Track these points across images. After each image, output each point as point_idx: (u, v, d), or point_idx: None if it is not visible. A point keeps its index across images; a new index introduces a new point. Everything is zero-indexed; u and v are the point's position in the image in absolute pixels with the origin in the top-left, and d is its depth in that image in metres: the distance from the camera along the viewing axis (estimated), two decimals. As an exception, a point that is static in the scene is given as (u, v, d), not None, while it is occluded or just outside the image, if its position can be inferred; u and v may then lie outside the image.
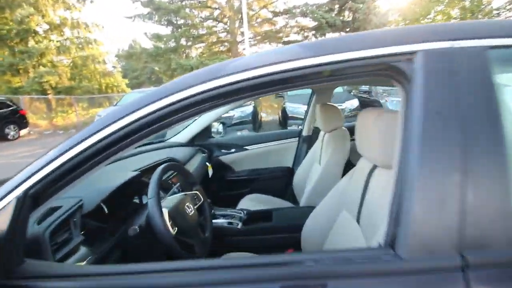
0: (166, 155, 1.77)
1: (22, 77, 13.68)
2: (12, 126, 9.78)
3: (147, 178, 1.38)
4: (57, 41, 14.71)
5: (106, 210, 1.06)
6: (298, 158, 2.46)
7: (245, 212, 1.71)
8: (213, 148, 2.44)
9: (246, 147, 2.46)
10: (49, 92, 13.40)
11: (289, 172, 2.44)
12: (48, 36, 14.37)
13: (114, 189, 1.09)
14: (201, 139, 2.42)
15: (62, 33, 14.97)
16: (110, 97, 15.61)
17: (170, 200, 1.13)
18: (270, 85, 0.62)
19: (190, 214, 1.13)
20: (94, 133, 0.67)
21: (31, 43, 13.58)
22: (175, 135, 2.35)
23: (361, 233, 0.98)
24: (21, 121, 10.07)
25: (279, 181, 2.45)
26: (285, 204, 2.05)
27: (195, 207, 1.23)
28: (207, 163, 2.25)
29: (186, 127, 2.34)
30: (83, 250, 0.89)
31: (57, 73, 13.76)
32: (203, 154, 2.29)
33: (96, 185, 1.10)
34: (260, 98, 7.90)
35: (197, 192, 1.30)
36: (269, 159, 2.52)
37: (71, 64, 15.11)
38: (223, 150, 2.45)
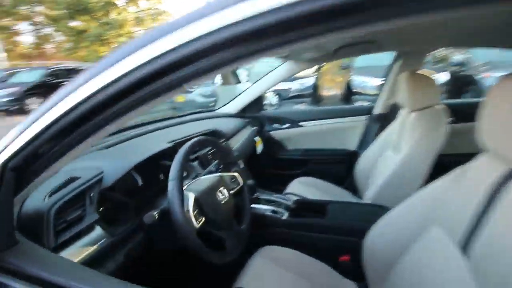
0: (211, 126, 1.59)
1: (107, 47, 15.41)
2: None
3: None
4: (135, 12, 15.90)
5: (128, 186, 0.93)
6: (365, 141, 2.04)
7: (293, 200, 1.45)
8: (265, 122, 2.18)
9: (302, 123, 2.12)
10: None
11: (352, 157, 2.05)
12: (126, 8, 15.63)
13: (140, 162, 0.94)
14: (253, 110, 2.18)
15: (137, 6, 16.09)
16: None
17: (201, 182, 0.93)
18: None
19: (223, 201, 0.92)
20: (79, 90, 0.47)
21: (112, 15, 14.98)
22: (224, 105, 2.16)
23: (468, 271, 0.62)
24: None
25: (339, 166, 2.09)
26: (343, 194, 1.71)
27: (232, 192, 1.02)
28: (256, 138, 2.02)
29: (236, 96, 2.12)
30: (97, 231, 0.76)
31: (133, 43, 15.03)
32: (253, 128, 2.06)
33: (120, 157, 0.96)
34: (323, 70, 7.19)
35: (236, 174, 1.08)
36: (328, 139, 2.16)
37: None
38: (275, 125, 2.18)
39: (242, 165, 1.49)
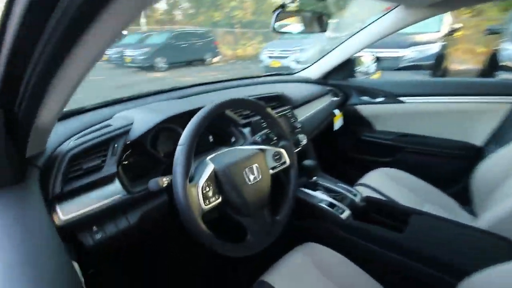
0: (278, 90, 1.35)
1: (220, 12, 16.46)
2: (209, 53, 12.38)
3: (234, 113, 1.05)
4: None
5: (160, 143, 0.85)
6: (501, 135, 1.37)
7: (362, 195, 1.11)
8: (351, 92, 1.77)
9: (403, 99, 1.60)
10: (236, 26, 15.58)
11: (474, 154, 1.44)
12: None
13: (171, 117, 0.84)
14: (338, 77, 1.79)
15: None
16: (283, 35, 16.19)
17: (232, 153, 0.75)
18: None
19: (255, 181, 0.72)
20: None
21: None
22: (304, 68, 1.85)
23: None
24: (214, 51, 12.50)
25: (448, 164, 1.52)
26: (445, 204, 1.22)
27: (272, 171, 0.80)
28: (335, 111, 1.66)
29: (321, 58, 1.76)
30: (115, 185, 0.72)
31: (243, 8, 15.52)
32: (334, 98, 1.69)
33: (159, 111, 0.88)
34: (457, 35, 5.48)
35: (282, 151, 0.84)
36: (441, 124, 1.57)
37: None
38: (364, 97, 1.73)
39: (304, 141, 1.22)
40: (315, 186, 1.13)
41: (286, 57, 6.82)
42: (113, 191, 0.71)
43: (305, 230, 1.10)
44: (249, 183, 0.69)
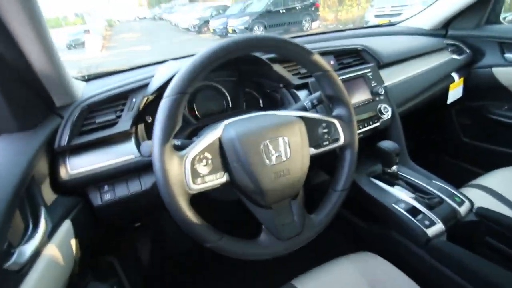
0: (362, 43, 0.99)
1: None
2: (307, 18, 11.57)
3: (288, 71, 0.82)
4: None
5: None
6: None
7: (471, 204, 0.71)
8: (486, 47, 1.17)
9: None
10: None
11: None
12: None
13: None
14: (467, 25, 1.21)
15: None
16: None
17: (256, 119, 0.54)
18: None
19: (275, 161, 0.49)
20: None
21: None
22: (413, 16, 1.33)
23: None
24: (315, 14, 11.57)
25: None
26: None
27: (315, 150, 0.56)
28: (454, 75, 1.15)
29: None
30: (130, 144, 0.64)
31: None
32: (455, 56, 1.16)
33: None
34: None
35: (336, 122, 0.57)
36: None
37: None
38: (509, 55, 1.12)
39: (386, 114, 0.86)
40: (393, 179, 0.80)
41: (399, 14, 5.54)
42: (127, 150, 0.64)
43: (369, 235, 0.82)
44: (269, 163, 0.48)
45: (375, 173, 0.85)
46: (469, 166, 1.29)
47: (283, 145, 0.50)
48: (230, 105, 0.88)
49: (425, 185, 0.78)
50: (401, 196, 0.75)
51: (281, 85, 0.81)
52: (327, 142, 0.57)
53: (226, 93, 0.87)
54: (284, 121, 0.53)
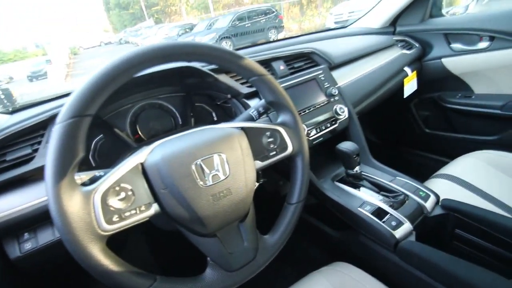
0: (312, 46, 0.98)
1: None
2: (273, 30, 11.90)
3: (235, 79, 0.77)
4: None
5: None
6: None
7: (437, 197, 0.69)
8: (433, 40, 1.21)
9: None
10: (302, -5, 14.38)
11: None
12: None
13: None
14: (413, 21, 1.25)
15: None
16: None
17: (189, 137, 0.47)
18: None
19: (212, 182, 0.42)
20: None
21: None
22: (362, 16, 1.36)
23: None
24: (279, 25, 11.92)
25: None
26: None
27: (261, 162, 0.50)
28: (406, 69, 1.16)
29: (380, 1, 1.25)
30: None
31: (309, -26, 14.12)
32: (405, 51, 1.19)
33: None
34: None
35: (281, 129, 0.52)
36: None
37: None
38: (455, 45, 1.16)
39: (342, 114, 0.84)
40: (357, 180, 0.76)
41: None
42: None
43: (341, 244, 0.77)
44: (203, 184, 0.42)
45: (339, 177, 0.81)
46: (435, 156, 1.31)
47: (219, 162, 0.44)
48: (180, 122, 0.81)
49: (389, 183, 0.75)
50: (366, 198, 0.71)
51: (229, 96, 0.76)
52: (274, 153, 0.52)
53: (174, 110, 0.80)
54: (220, 135, 0.47)
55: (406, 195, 0.69)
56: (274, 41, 1.14)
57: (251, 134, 0.50)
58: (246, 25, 11.04)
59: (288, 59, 0.90)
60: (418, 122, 1.33)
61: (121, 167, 0.40)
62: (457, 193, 0.78)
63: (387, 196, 0.70)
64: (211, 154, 0.43)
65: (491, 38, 1.05)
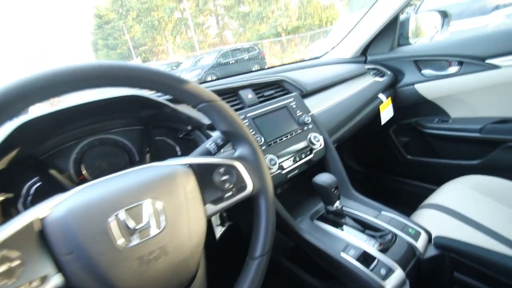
0: (281, 76, 0.94)
1: (265, 24, 16.59)
2: (256, 66, 12.43)
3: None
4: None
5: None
6: None
7: (429, 235, 0.61)
8: (404, 67, 1.22)
9: (497, 61, 0.98)
10: (282, 34, 15.43)
11: None
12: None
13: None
14: (381, 50, 1.27)
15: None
16: (328, 30, 15.38)
17: (114, 182, 0.37)
18: None
19: (139, 239, 0.32)
20: None
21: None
22: (333, 47, 1.38)
23: None
24: (262, 62, 12.51)
25: None
26: None
27: (214, 206, 0.40)
28: (381, 96, 1.15)
29: (351, 30, 1.28)
30: None
31: (288, 15, 15.32)
32: (377, 78, 1.18)
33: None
34: None
35: (237, 164, 0.43)
36: None
37: (298, 4, 16.09)
38: (426, 71, 1.16)
39: (317, 143, 0.77)
40: (339, 218, 0.67)
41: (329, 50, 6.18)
42: None
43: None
44: (125, 244, 0.31)
45: (319, 214, 0.72)
46: (420, 183, 1.25)
47: (152, 211, 0.34)
48: (137, 159, 0.71)
49: (374, 219, 0.66)
50: (349, 240, 0.61)
51: (189, 127, 0.69)
52: (230, 193, 0.43)
53: (130, 146, 0.71)
54: (156, 176, 0.37)
55: (394, 234, 0.60)
56: (245, 72, 1.11)
57: (201, 172, 0.41)
58: (230, 62, 11.49)
59: (258, 88, 0.85)
60: (399, 148, 1.29)
61: (6, 227, 0.29)
62: (448, 226, 0.71)
63: (373, 236, 0.61)
64: (140, 201, 0.34)
65: (460, 63, 1.05)
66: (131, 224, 0.32)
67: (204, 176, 0.41)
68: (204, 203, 0.40)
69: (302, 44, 14.81)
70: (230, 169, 0.43)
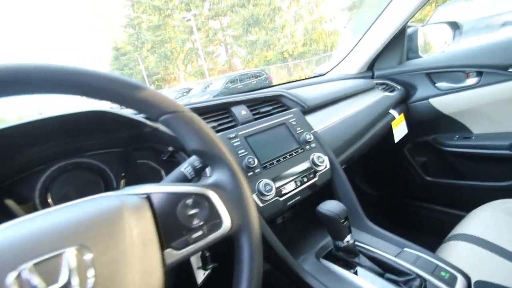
0: (277, 91, 0.87)
1: (272, 51, 17.16)
2: (263, 90, 12.65)
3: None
4: (295, 11, 16.65)
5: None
6: None
7: (466, 279, 0.47)
8: (416, 81, 1.13)
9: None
10: (288, 59, 15.85)
11: None
12: (289, 9, 16.60)
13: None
14: (389, 64, 1.19)
15: (298, 4, 16.69)
16: (333, 55, 15.69)
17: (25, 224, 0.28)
18: None
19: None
20: None
21: (277, 20, 16.40)
22: (337, 64, 1.31)
23: None
24: (269, 85, 12.72)
25: None
26: None
27: (178, 252, 0.30)
28: (392, 111, 1.05)
29: (356, 44, 1.22)
30: None
31: (293, 42, 15.83)
32: (387, 93, 1.09)
33: None
34: None
35: (210, 194, 0.34)
36: None
37: (303, 32, 16.69)
38: (441, 84, 1.07)
39: (322, 165, 0.67)
40: (351, 255, 0.55)
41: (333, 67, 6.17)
42: None
43: None
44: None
45: (326, 251, 0.59)
46: (443, 208, 1.10)
47: (75, 265, 0.24)
48: (115, 185, 0.63)
49: (395, 259, 0.53)
50: (365, 286, 0.48)
51: (171, 148, 0.60)
52: (200, 233, 0.32)
53: (108, 171, 0.63)
54: (90, 214, 0.27)
55: (423, 279, 0.47)
56: (243, 91, 1.04)
57: (162, 205, 0.31)
58: (238, 87, 11.74)
59: (253, 104, 0.76)
60: (416, 169, 1.16)
61: None
62: (488, 264, 0.58)
63: (395, 282, 0.48)
64: (58, 250, 0.24)
65: (479, 74, 0.95)
66: (40, 285, 0.22)
67: (165, 210, 0.31)
68: (163, 248, 0.29)
69: (308, 68, 15.09)
70: (200, 200, 0.33)
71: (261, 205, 0.56)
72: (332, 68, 1.33)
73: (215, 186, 0.35)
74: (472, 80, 0.98)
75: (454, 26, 1.21)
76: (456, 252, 0.63)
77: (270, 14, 15.97)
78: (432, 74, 1.07)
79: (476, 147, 0.99)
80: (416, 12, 1.01)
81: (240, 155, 0.59)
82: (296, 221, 0.75)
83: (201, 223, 0.32)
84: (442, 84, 1.05)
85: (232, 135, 0.61)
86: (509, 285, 0.53)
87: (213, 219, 0.33)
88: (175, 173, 0.44)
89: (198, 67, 22.62)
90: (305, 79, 1.29)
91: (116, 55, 25.44)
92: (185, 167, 0.43)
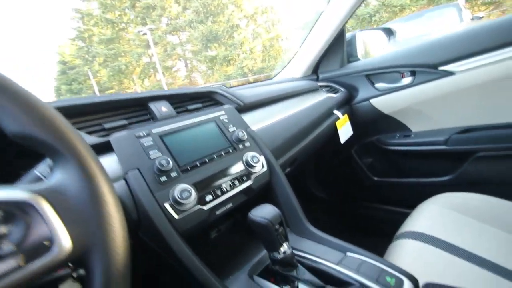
0: (210, 87, 0.78)
1: (232, 66, 17.37)
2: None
3: None
4: (253, 29, 17.23)
5: None
6: None
7: (414, 284, 0.41)
8: (357, 83, 1.14)
9: (451, 67, 0.92)
10: (248, 74, 16.17)
11: None
12: (247, 27, 17.13)
13: None
14: (331, 67, 1.19)
15: (256, 22, 17.32)
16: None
17: None
18: None
19: None
20: None
21: (235, 36, 16.78)
22: (283, 68, 1.29)
23: None
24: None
25: None
26: None
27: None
28: (336, 112, 1.03)
29: (298, 50, 1.21)
30: None
31: (253, 58, 16.26)
32: (330, 95, 1.07)
33: None
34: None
35: (44, 202, 0.22)
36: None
37: (262, 48, 17.30)
38: (380, 85, 1.08)
39: (258, 166, 0.58)
40: (289, 268, 0.46)
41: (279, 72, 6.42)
42: None
43: None
44: None
45: (262, 266, 0.50)
46: (390, 207, 1.10)
47: None
48: None
49: (336, 267, 0.45)
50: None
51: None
52: (14, 264, 0.20)
53: None
54: None
55: (366, 285, 0.40)
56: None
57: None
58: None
59: (178, 100, 0.66)
60: (363, 170, 1.15)
61: None
62: (434, 261, 0.55)
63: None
64: None
65: (413, 73, 0.98)
66: None
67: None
68: None
69: (268, 83, 15.54)
70: (14, 213, 0.21)
71: (176, 217, 0.44)
72: (279, 72, 1.30)
73: (49, 190, 0.23)
74: (407, 80, 1.01)
75: (389, 32, 1.27)
76: (405, 252, 0.59)
77: (229, 31, 16.28)
78: (371, 76, 1.09)
79: (416, 144, 1.00)
80: (351, 14, 1.03)
81: (151, 157, 0.48)
82: (234, 234, 0.65)
83: (14, 249, 0.20)
84: (381, 85, 1.07)
85: (142, 133, 0.50)
86: (458, 284, 0.49)
87: (37, 240, 0.21)
88: (28, 176, 0.31)
89: (157, 81, 21.86)
90: (250, 83, 1.24)
91: (63, 69, 23.44)
92: (39, 168, 0.31)
